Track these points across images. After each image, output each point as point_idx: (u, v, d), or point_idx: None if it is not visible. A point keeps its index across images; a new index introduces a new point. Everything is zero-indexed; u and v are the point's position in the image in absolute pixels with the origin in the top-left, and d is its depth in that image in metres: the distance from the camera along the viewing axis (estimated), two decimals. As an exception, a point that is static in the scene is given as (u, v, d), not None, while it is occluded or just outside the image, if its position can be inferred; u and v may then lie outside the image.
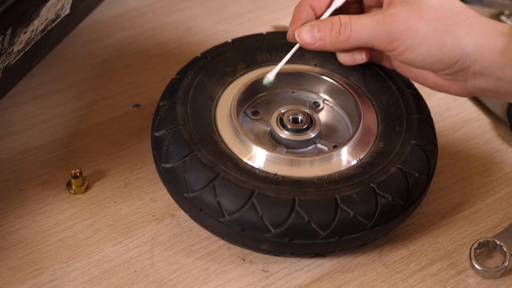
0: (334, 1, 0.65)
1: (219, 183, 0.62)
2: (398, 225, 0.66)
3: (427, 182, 0.66)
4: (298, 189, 0.62)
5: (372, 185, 0.62)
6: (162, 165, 0.65)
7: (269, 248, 0.62)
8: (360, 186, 0.62)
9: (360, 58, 0.69)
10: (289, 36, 0.67)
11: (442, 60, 0.63)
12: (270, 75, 0.68)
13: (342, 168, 0.65)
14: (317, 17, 0.66)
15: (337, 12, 0.67)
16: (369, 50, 0.69)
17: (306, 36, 0.64)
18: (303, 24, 0.65)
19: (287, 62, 0.74)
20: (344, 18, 0.63)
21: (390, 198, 0.62)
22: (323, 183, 0.63)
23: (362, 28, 0.63)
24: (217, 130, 0.67)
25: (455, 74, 0.64)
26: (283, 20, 0.93)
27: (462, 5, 0.63)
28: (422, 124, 0.68)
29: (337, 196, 0.61)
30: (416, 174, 0.64)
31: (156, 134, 0.66)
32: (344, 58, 0.70)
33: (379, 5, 0.67)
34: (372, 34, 0.63)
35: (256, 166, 0.64)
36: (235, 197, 0.61)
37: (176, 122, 0.66)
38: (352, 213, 0.61)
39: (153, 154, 0.67)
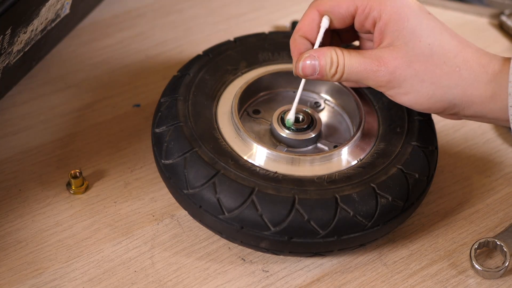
0: (321, 25, 0.65)
1: (219, 180, 0.62)
2: (398, 225, 0.66)
3: (427, 183, 0.66)
4: (298, 188, 0.62)
5: (372, 185, 0.62)
6: (163, 161, 0.65)
7: (268, 246, 0.62)
8: (360, 186, 0.62)
9: (364, 84, 0.69)
10: (295, 72, 0.66)
11: (430, 108, 0.63)
12: (290, 116, 0.68)
13: (343, 168, 0.65)
14: (312, 44, 0.66)
15: (330, 34, 0.67)
16: None
17: (308, 70, 0.64)
18: (305, 57, 0.64)
19: (288, 62, 0.74)
20: (340, 58, 0.63)
21: (390, 199, 0.62)
22: (323, 182, 0.63)
23: (352, 71, 0.63)
24: (218, 127, 0.67)
25: (446, 115, 0.65)
26: (283, 20, 0.93)
27: (452, 45, 0.62)
28: (423, 125, 0.68)
29: (337, 195, 0.61)
30: (416, 175, 0.64)
31: (157, 130, 0.67)
32: (347, 83, 0.71)
33: (370, 33, 0.66)
34: (361, 77, 0.63)
35: (256, 164, 0.64)
36: (235, 194, 0.61)
37: (177, 118, 0.66)
38: (351, 213, 0.61)
39: (153, 151, 0.67)
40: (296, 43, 0.65)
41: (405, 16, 0.61)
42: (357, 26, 0.65)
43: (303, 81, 0.67)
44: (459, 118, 0.65)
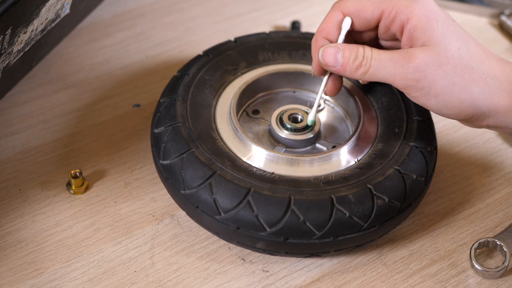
0: (342, 26, 0.64)
1: (215, 180, 0.62)
2: (395, 226, 0.65)
3: (425, 184, 0.65)
4: (295, 189, 0.62)
5: (368, 186, 0.62)
6: (160, 161, 0.65)
7: (264, 246, 0.62)
8: (357, 186, 0.62)
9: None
10: (314, 72, 0.67)
11: (459, 113, 0.62)
12: (310, 116, 0.68)
13: (340, 169, 0.65)
14: None
15: (353, 40, 0.67)
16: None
17: (329, 58, 0.63)
18: (329, 45, 0.64)
19: (288, 62, 0.74)
20: (367, 51, 0.62)
21: (386, 200, 0.62)
22: (319, 183, 0.63)
23: (380, 66, 0.62)
24: (216, 128, 0.67)
25: (468, 122, 0.64)
26: (283, 20, 0.93)
27: (478, 52, 0.62)
28: (422, 126, 0.68)
29: (333, 196, 0.61)
30: (414, 176, 0.64)
31: (156, 130, 0.67)
32: (366, 83, 0.71)
33: (394, 39, 0.65)
34: (389, 75, 0.62)
35: (254, 165, 0.64)
36: (231, 195, 0.61)
37: (175, 119, 0.66)
38: (347, 214, 0.61)
39: (152, 151, 0.67)
40: (318, 43, 0.65)
41: (434, 20, 0.61)
42: (382, 30, 0.64)
43: (324, 79, 0.66)
44: (480, 127, 0.64)
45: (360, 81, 0.71)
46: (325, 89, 0.67)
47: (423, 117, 0.69)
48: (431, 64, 0.60)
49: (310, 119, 0.68)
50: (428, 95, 0.61)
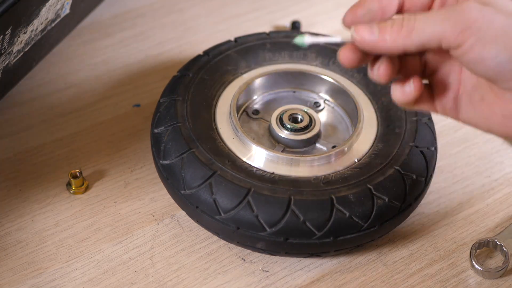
0: None
1: (215, 180, 0.62)
2: (395, 226, 0.65)
3: (425, 184, 0.66)
4: (295, 189, 0.62)
5: (368, 186, 0.62)
6: (160, 161, 0.65)
7: (264, 247, 0.62)
8: (357, 187, 0.62)
9: (409, 90, 0.55)
10: (344, 20, 0.55)
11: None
12: (307, 39, 0.54)
13: (340, 169, 0.65)
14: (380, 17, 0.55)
15: None
16: (421, 81, 0.57)
17: (364, 32, 0.53)
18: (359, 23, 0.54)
19: (289, 62, 0.74)
20: (407, 14, 0.54)
21: (386, 200, 0.62)
22: (319, 183, 0.63)
23: (427, 20, 0.52)
24: (216, 128, 0.67)
25: None
26: (283, 20, 0.93)
27: None
28: (422, 126, 0.68)
29: (333, 196, 0.61)
30: (414, 176, 0.64)
31: (156, 130, 0.67)
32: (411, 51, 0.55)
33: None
34: (439, 26, 0.52)
35: (254, 165, 0.64)
36: (231, 195, 0.61)
37: (176, 119, 0.66)
38: (347, 214, 0.61)
39: (152, 151, 0.67)
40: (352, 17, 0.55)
41: None
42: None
43: (340, 38, 0.55)
44: None
45: (404, 50, 0.55)
46: (342, 56, 0.55)
47: (423, 117, 0.69)
48: (486, 9, 0.51)
49: (306, 40, 0.55)
50: (484, 38, 0.51)
